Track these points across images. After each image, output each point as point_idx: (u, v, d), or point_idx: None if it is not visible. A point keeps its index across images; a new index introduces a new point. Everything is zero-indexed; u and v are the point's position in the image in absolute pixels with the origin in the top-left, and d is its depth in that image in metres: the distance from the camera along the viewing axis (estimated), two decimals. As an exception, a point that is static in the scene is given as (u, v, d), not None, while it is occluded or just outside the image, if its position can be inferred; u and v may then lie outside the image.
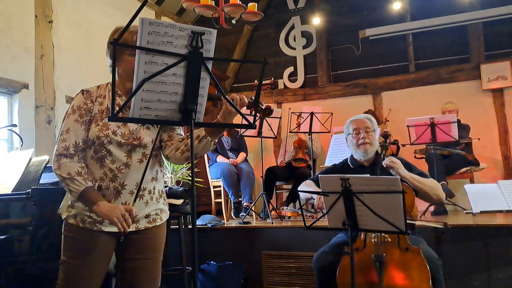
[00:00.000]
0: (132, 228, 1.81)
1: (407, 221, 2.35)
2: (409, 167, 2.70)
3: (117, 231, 1.78)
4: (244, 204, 4.80)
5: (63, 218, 1.86)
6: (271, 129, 4.71)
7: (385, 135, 2.78)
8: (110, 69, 1.84)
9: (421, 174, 2.71)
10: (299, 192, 2.66)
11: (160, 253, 1.95)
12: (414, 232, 2.64)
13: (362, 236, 2.46)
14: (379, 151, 2.77)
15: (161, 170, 1.97)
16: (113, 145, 1.79)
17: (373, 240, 2.39)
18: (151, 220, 1.89)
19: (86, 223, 1.80)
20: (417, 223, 2.71)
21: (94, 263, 1.81)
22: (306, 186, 2.85)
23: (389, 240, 2.36)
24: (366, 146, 2.76)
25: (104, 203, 1.74)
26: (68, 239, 1.84)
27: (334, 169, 2.98)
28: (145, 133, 1.85)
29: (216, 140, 1.84)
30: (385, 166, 2.60)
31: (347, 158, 2.95)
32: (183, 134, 1.97)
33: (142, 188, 1.83)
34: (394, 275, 2.29)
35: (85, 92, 1.85)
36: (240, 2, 3.91)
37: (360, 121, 2.84)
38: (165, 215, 1.98)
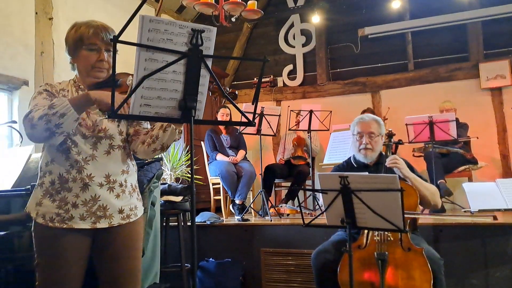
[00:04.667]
0: (106, 224, 1.77)
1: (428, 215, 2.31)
2: (411, 169, 2.69)
3: (90, 227, 1.74)
4: (237, 201, 4.79)
5: (32, 217, 1.77)
6: (270, 127, 4.71)
7: (390, 135, 2.75)
8: (71, 66, 1.94)
9: (421, 177, 2.70)
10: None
11: (138, 250, 1.90)
12: (414, 232, 2.64)
13: (364, 234, 2.45)
14: (383, 151, 2.75)
15: (132, 164, 1.92)
16: (78, 136, 1.76)
17: (375, 238, 2.38)
18: (125, 217, 1.83)
19: (55, 221, 1.71)
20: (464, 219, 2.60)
21: (69, 265, 1.72)
22: None
23: (392, 239, 2.36)
24: (367, 151, 2.74)
25: (93, 91, 1.68)
26: (39, 241, 1.75)
27: (339, 169, 2.93)
28: (109, 124, 1.83)
29: (182, 128, 1.81)
30: (387, 166, 2.60)
31: (350, 157, 2.92)
32: (149, 127, 1.92)
33: (112, 180, 1.80)
34: (396, 274, 2.29)
35: (48, 84, 1.89)
36: (240, 0, 3.91)
37: (366, 125, 2.77)
38: (140, 212, 1.92)
